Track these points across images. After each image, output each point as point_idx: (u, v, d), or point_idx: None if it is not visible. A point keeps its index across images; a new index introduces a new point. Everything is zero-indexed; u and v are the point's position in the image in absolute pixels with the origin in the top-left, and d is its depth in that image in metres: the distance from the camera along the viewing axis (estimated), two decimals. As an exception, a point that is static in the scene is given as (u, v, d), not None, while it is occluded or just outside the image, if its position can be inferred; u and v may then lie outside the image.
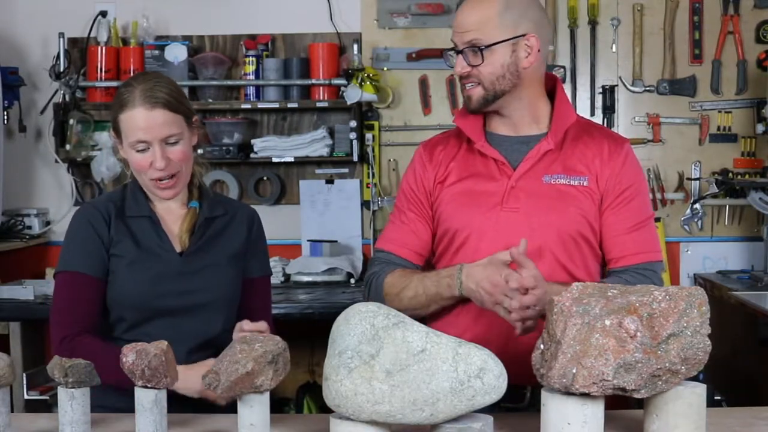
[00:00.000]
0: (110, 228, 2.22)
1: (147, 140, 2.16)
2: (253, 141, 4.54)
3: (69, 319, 2.18)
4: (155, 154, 2.17)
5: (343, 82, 4.46)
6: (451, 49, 2.20)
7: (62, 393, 1.77)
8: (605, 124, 4.46)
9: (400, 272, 2.25)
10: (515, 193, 2.17)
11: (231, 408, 1.85)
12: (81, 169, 4.65)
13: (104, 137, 4.48)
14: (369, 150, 4.57)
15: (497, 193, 2.18)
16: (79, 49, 4.65)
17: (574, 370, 1.59)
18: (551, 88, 2.27)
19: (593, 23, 4.59)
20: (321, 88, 4.52)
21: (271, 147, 4.52)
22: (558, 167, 2.19)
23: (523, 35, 2.15)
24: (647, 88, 4.59)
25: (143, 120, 2.15)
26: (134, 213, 2.25)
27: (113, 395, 2.03)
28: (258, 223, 2.39)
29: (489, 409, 1.68)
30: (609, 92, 4.57)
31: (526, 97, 2.20)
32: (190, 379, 2.03)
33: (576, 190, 2.17)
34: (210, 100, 4.59)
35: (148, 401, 1.75)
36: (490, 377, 1.60)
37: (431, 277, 2.18)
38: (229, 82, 4.62)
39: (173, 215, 2.29)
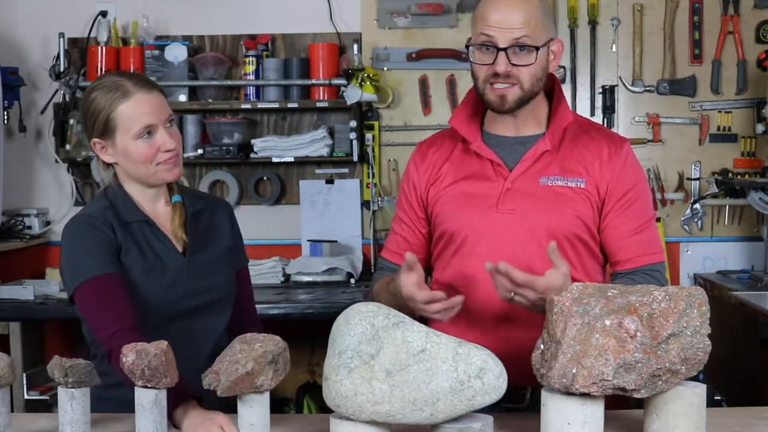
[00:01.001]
0: (116, 235, 2.17)
1: (154, 123, 2.15)
2: (253, 141, 4.53)
3: (110, 320, 2.06)
4: (163, 136, 2.15)
5: (343, 82, 4.45)
6: (487, 44, 2.11)
7: (62, 393, 1.77)
8: (605, 124, 4.46)
9: (381, 281, 2.26)
10: (511, 195, 2.16)
11: (231, 408, 1.85)
12: (81, 169, 4.63)
13: (104, 137, 4.48)
14: (369, 150, 4.57)
15: (493, 195, 2.17)
16: (79, 49, 4.64)
17: (574, 370, 1.59)
18: (550, 88, 2.25)
19: (593, 23, 4.58)
20: (321, 88, 4.52)
21: (271, 147, 4.52)
22: (555, 168, 2.18)
23: (552, 39, 2.16)
24: (647, 88, 4.58)
25: (147, 103, 2.15)
26: (132, 218, 2.21)
27: (110, 403, 2.03)
28: (234, 214, 2.41)
29: (489, 410, 1.68)
30: (609, 92, 4.57)
31: (535, 99, 2.20)
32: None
33: (572, 191, 2.16)
34: (210, 100, 4.59)
35: (148, 401, 1.75)
36: (490, 377, 1.60)
37: (391, 294, 2.14)
38: (229, 82, 4.61)
39: (161, 215, 2.26)
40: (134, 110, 2.14)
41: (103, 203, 2.22)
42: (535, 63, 2.11)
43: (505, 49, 2.09)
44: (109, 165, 2.23)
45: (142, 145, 2.15)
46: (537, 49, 2.10)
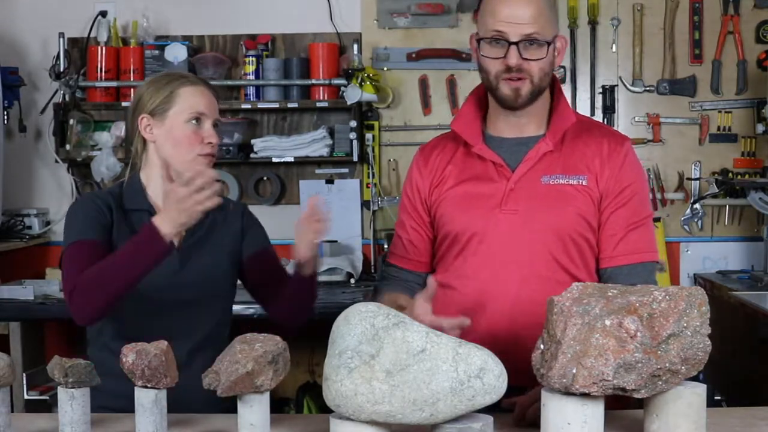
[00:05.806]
0: (112, 216, 2.25)
1: (205, 113, 2.27)
2: (253, 141, 4.54)
3: (74, 273, 2.14)
4: (209, 130, 2.28)
5: (343, 82, 4.46)
6: (497, 38, 2.11)
7: (62, 393, 1.77)
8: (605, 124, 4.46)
9: (388, 297, 2.22)
10: (514, 195, 2.16)
11: (231, 408, 1.85)
12: (81, 169, 4.64)
13: (104, 137, 4.48)
14: (369, 150, 4.57)
15: (496, 195, 2.17)
16: (79, 49, 4.65)
17: (574, 370, 1.59)
18: (550, 88, 2.26)
19: (593, 23, 4.59)
20: (321, 88, 4.52)
21: (271, 147, 4.52)
22: (557, 167, 2.18)
23: (556, 35, 2.17)
24: (647, 88, 4.59)
25: (207, 97, 2.30)
26: (133, 206, 2.28)
27: (111, 396, 2.03)
28: (249, 212, 2.48)
29: (490, 410, 1.68)
30: (609, 92, 4.58)
31: (543, 96, 2.21)
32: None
33: (575, 189, 2.16)
34: (210, 100, 4.59)
35: (148, 401, 1.75)
36: (490, 377, 1.60)
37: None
38: (229, 82, 4.62)
39: None
40: (195, 96, 2.28)
41: (112, 189, 2.35)
42: (545, 58, 2.13)
43: (516, 43, 2.10)
44: (144, 146, 2.31)
45: (189, 130, 2.26)
46: (548, 44, 2.12)
